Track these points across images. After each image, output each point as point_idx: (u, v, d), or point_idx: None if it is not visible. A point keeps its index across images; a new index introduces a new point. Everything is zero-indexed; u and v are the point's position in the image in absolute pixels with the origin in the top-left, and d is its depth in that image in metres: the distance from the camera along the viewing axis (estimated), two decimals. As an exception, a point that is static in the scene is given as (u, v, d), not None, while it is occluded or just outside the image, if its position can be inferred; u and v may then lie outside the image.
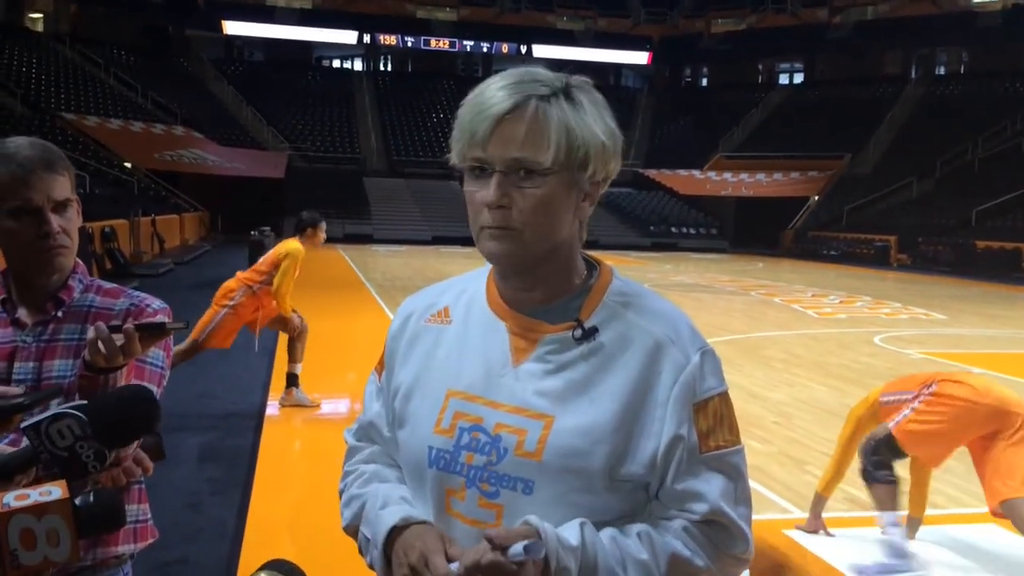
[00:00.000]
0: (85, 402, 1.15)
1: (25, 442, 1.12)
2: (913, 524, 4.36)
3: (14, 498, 0.97)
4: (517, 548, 1.05)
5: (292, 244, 6.60)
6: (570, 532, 1.12)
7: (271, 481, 5.18)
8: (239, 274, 6.65)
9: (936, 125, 35.87)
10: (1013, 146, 32.72)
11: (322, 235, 6.84)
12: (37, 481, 1.16)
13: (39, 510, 0.96)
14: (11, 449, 1.29)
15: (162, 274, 17.42)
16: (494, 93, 1.15)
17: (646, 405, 1.17)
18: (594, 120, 1.17)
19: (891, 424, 3.92)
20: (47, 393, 1.38)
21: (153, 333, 1.54)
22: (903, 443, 3.90)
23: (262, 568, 1.19)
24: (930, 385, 3.98)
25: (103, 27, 39.61)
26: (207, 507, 4.62)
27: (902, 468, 4.50)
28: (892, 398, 4.14)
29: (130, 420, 1.19)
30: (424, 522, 1.19)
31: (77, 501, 0.99)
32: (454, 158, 1.19)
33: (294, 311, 6.73)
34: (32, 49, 34.85)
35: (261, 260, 6.72)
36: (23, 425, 1.12)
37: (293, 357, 6.70)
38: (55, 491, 0.99)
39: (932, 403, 3.86)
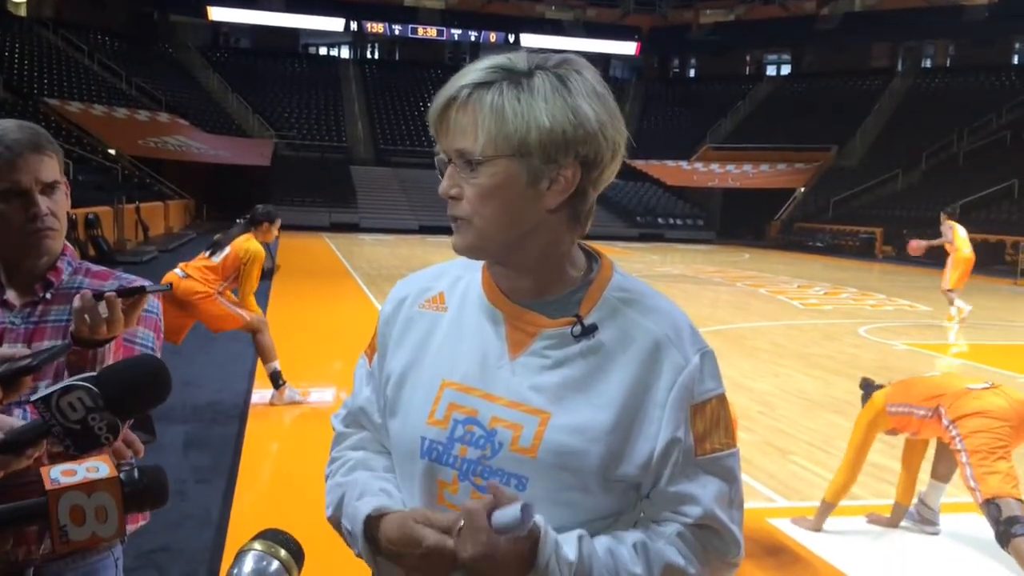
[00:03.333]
0: (95, 374, 1.14)
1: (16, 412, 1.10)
2: (899, 511, 4.40)
3: (61, 473, 0.97)
4: (505, 514, 1.03)
5: (252, 244, 6.37)
6: (569, 545, 1.10)
7: (256, 469, 5.18)
8: (190, 272, 6.27)
9: (922, 118, 36.02)
10: (998, 139, 32.89)
11: (275, 231, 6.65)
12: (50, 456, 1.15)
13: (89, 487, 0.96)
14: (22, 423, 1.28)
15: (146, 261, 17.32)
16: (444, 87, 1.15)
17: (644, 406, 1.16)
18: (546, 102, 1.10)
19: (976, 486, 3.70)
20: (53, 351, 1.37)
21: (135, 298, 1.53)
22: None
23: (256, 538, 1.18)
24: (937, 409, 3.95)
25: (87, 12, 39.21)
26: (192, 495, 4.61)
27: (893, 460, 4.54)
28: (901, 409, 4.12)
29: (142, 390, 1.17)
30: (395, 511, 1.18)
31: (123, 477, 0.99)
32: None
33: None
34: (15, 34, 34.49)
35: (220, 259, 6.33)
36: (33, 399, 1.11)
37: (265, 356, 6.50)
38: (102, 467, 0.98)
39: (977, 431, 3.78)
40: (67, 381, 1.11)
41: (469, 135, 1.12)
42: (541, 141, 1.10)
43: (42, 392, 1.10)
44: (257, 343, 6.52)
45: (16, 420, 1.33)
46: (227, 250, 6.35)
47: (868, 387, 4.46)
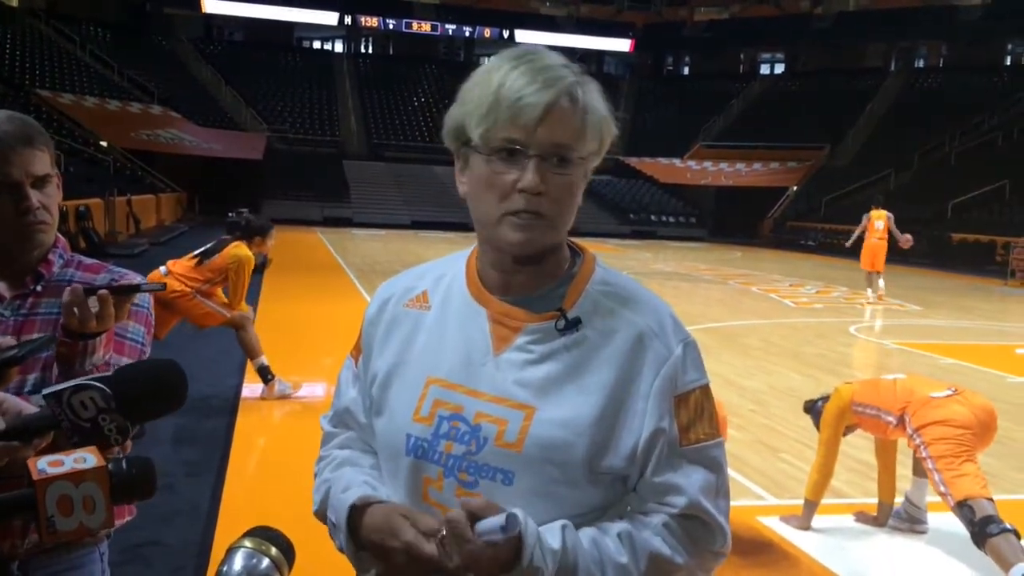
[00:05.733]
0: (110, 374, 1.14)
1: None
2: (884, 510, 4.42)
3: (48, 463, 0.96)
4: (490, 523, 1.04)
5: (242, 251, 6.33)
6: (552, 535, 1.10)
7: (245, 464, 5.17)
8: (174, 270, 6.26)
9: (915, 118, 36.10)
10: (990, 140, 33.00)
11: (270, 243, 6.67)
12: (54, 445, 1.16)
13: (77, 477, 0.96)
14: (34, 409, 1.28)
15: (138, 254, 17.25)
16: (535, 75, 1.13)
17: (628, 398, 1.16)
18: (606, 109, 1.19)
19: (947, 491, 3.72)
20: (39, 342, 1.36)
21: (128, 294, 1.53)
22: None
23: (247, 535, 1.18)
24: (902, 417, 4.00)
25: (79, 3, 38.98)
26: (181, 489, 4.59)
27: (868, 453, 4.56)
28: (869, 411, 4.16)
29: (156, 396, 1.17)
30: (383, 501, 1.19)
31: (111, 467, 0.99)
32: (475, 137, 1.15)
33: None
34: (7, 25, 34.26)
35: (207, 263, 6.30)
36: (44, 393, 1.11)
37: (251, 352, 6.48)
38: (90, 458, 0.98)
39: (941, 439, 3.81)
40: (81, 380, 1.11)
41: (581, 135, 1.15)
42: (607, 144, 1.20)
43: (54, 387, 1.10)
44: (240, 340, 6.50)
45: (31, 407, 1.32)
46: (215, 257, 6.34)
47: (813, 406, 4.51)
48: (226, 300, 6.43)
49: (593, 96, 1.17)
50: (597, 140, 1.18)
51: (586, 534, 1.13)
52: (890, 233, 14.68)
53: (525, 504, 1.11)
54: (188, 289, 6.19)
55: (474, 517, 1.06)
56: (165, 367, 1.22)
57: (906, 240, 14.46)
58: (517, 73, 1.13)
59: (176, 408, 1.21)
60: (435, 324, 1.26)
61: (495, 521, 1.03)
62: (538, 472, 1.14)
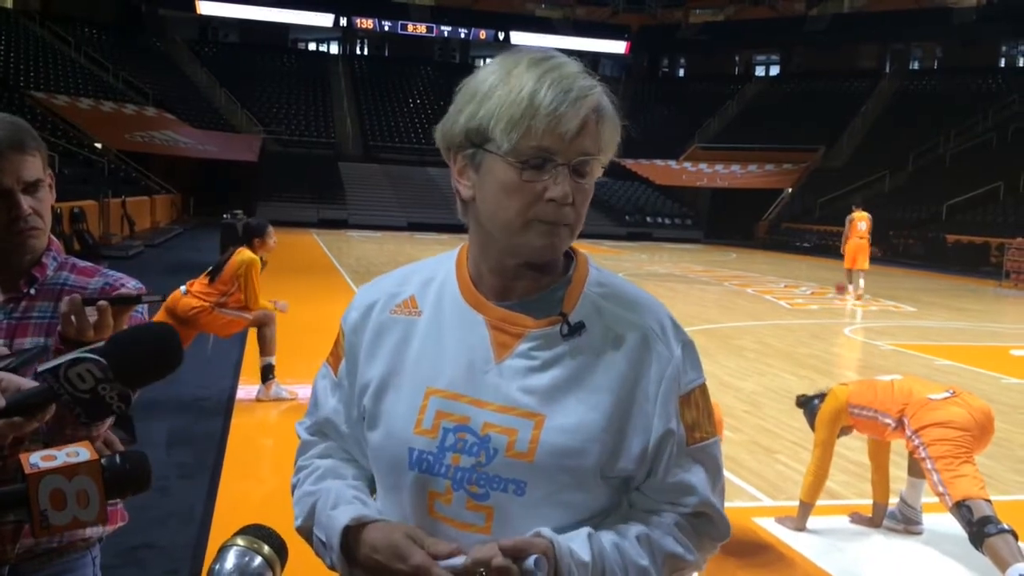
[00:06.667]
0: (103, 345, 1.14)
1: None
2: (879, 511, 4.42)
3: (41, 459, 0.96)
4: (531, 562, 1.04)
5: (246, 254, 6.46)
6: (580, 545, 1.10)
7: (240, 466, 5.15)
8: (192, 289, 6.35)
9: (909, 119, 36.16)
10: (984, 141, 33.08)
11: (271, 241, 6.75)
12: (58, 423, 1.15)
13: (70, 471, 0.96)
14: (33, 384, 1.27)
15: (132, 256, 17.23)
16: (568, 84, 1.11)
17: (635, 401, 1.16)
18: (618, 118, 1.20)
19: (944, 491, 3.73)
20: (33, 353, 1.36)
21: (127, 304, 1.53)
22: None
23: (239, 533, 1.17)
24: (900, 419, 4.01)
25: (74, 5, 38.90)
26: (175, 491, 4.58)
27: (863, 454, 4.56)
28: (866, 413, 4.16)
29: (152, 359, 1.17)
30: (378, 520, 1.15)
31: (104, 462, 0.98)
32: (502, 142, 1.11)
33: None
34: (1, 26, 34.18)
35: (219, 278, 6.38)
36: (39, 370, 1.12)
37: (264, 349, 6.59)
38: (83, 452, 0.98)
39: (940, 440, 3.82)
40: (75, 353, 1.12)
41: (598, 143, 1.16)
42: (615, 150, 1.20)
43: (48, 364, 1.11)
44: (260, 335, 6.64)
45: (28, 381, 1.32)
46: (224, 269, 6.45)
47: (807, 403, 4.51)
48: (243, 303, 6.48)
49: (611, 106, 1.17)
50: (612, 150, 1.19)
51: (608, 539, 1.13)
52: (871, 234, 15.49)
53: (537, 511, 1.11)
54: (207, 304, 6.32)
55: (509, 555, 1.05)
56: (157, 331, 1.22)
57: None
58: (549, 81, 1.11)
59: (173, 370, 1.20)
60: (429, 332, 1.22)
61: (529, 561, 1.04)
62: (550, 480, 1.13)
